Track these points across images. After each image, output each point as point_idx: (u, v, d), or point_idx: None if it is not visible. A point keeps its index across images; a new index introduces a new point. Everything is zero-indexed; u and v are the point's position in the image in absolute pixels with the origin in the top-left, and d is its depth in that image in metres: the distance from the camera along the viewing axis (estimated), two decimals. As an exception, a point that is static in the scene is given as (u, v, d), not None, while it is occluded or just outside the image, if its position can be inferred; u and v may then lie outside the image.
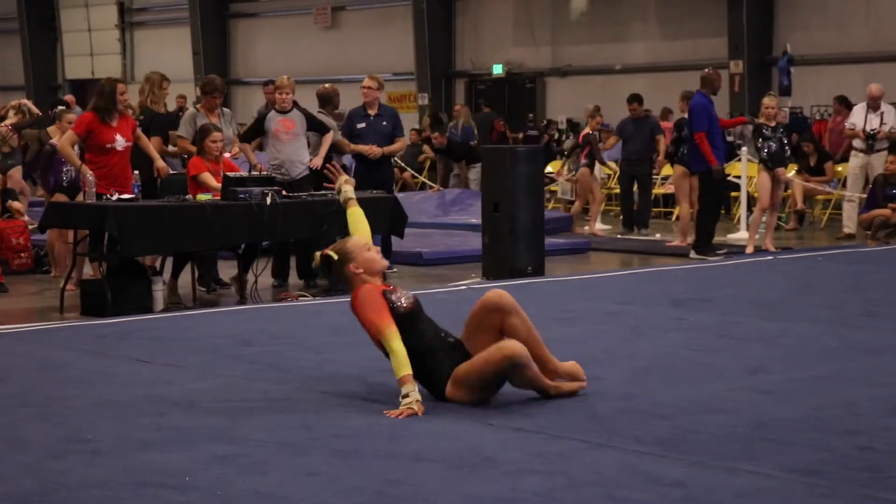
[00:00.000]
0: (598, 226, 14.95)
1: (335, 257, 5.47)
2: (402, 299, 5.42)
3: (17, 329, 7.75)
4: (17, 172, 12.55)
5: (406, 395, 5.14)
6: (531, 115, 21.70)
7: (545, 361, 5.47)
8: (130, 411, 5.21)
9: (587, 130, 15.07)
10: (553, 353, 5.59)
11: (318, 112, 10.91)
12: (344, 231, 9.55)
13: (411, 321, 5.39)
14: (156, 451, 4.56)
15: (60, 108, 12.90)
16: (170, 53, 27.10)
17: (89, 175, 9.09)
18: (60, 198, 10.31)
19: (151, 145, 9.93)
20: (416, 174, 20.57)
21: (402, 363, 5.18)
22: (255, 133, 10.70)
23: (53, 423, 4.98)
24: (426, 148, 21.63)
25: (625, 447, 4.61)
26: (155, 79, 10.77)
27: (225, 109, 10.72)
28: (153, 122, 10.55)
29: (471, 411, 5.16)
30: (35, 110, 13.11)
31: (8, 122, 12.53)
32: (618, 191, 17.85)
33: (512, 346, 5.31)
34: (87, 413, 5.17)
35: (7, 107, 13.28)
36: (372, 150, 10.91)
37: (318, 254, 5.57)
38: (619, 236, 14.55)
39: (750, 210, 14.11)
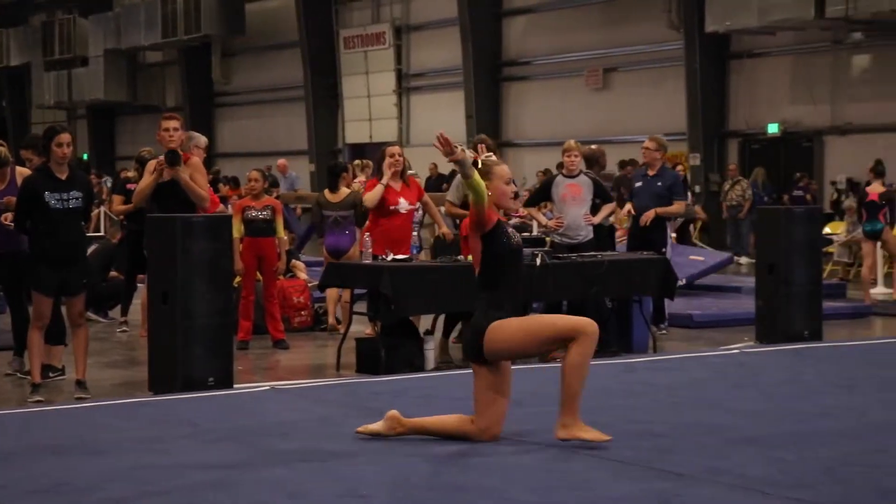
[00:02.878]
0: (880, 290, 14.22)
1: (480, 166, 5.80)
2: (515, 236, 5.88)
3: (297, 385, 8.07)
4: None
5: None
6: (798, 174, 21.05)
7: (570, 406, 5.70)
8: (403, 468, 5.32)
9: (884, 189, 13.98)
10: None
11: (585, 173, 10.91)
12: (615, 291, 9.61)
13: (515, 258, 5.87)
14: (427, 508, 4.65)
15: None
16: (443, 117, 27.79)
17: (367, 237, 9.44)
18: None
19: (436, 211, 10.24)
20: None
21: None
22: (542, 197, 10.81)
23: (331, 478, 5.15)
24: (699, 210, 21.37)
25: (912, 525, 4.37)
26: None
27: (496, 171, 10.89)
28: None
29: (743, 477, 5.01)
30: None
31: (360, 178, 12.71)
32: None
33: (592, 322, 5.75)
34: (363, 469, 5.32)
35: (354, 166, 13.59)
36: (648, 215, 10.83)
37: (468, 154, 5.80)
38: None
39: None
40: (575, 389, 5.71)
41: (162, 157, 8.88)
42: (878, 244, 14.01)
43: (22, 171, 8.83)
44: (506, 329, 5.78)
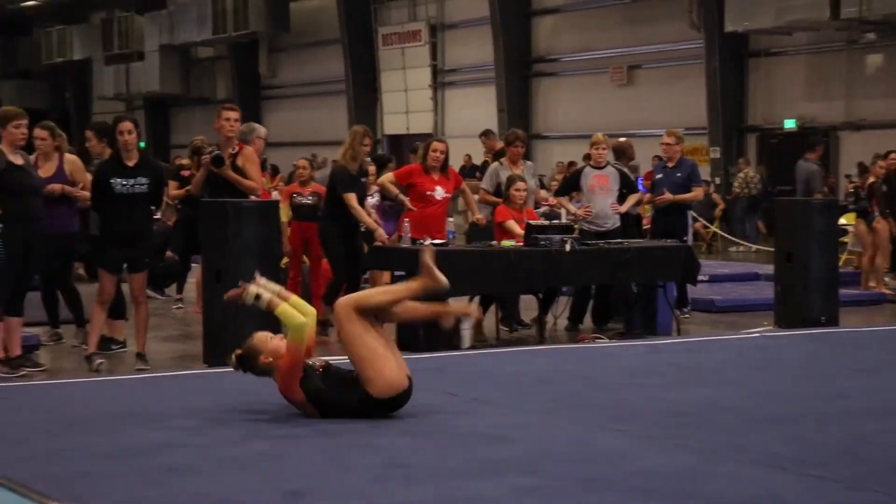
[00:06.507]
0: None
1: (246, 355, 5.70)
2: (316, 362, 5.70)
3: (340, 360, 8.04)
4: None
5: (262, 294, 5.68)
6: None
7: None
8: (443, 441, 5.30)
9: (872, 179, 13.80)
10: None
11: (615, 165, 10.84)
12: (640, 276, 9.54)
13: (327, 374, 5.66)
14: (466, 479, 4.61)
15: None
16: (476, 110, 27.77)
17: (406, 222, 9.41)
18: None
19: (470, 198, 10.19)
20: (708, 224, 20.20)
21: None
22: (571, 188, 10.76)
23: (375, 449, 5.12)
24: (716, 198, 21.30)
25: (929, 502, 4.30)
26: (357, 132, 9.65)
27: (527, 162, 10.86)
28: (340, 179, 9.43)
29: (765, 454, 4.95)
30: None
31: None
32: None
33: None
34: (405, 441, 5.29)
35: None
36: (664, 197, 10.75)
37: (232, 356, 5.74)
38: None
39: None
40: (415, 311, 5.90)
41: (208, 158, 8.83)
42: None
43: (70, 159, 8.90)
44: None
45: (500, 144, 12.86)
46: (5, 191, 7.60)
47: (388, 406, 5.65)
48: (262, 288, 5.73)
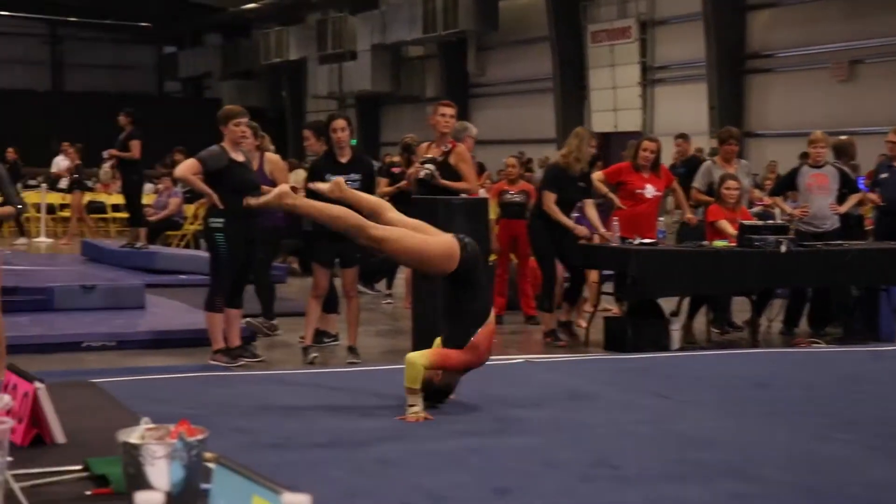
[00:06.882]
0: None
1: (422, 391, 5.62)
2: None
3: (549, 359, 8.05)
4: None
5: (413, 405, 5.53)
6: None
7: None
8: (653, 443, 5.21)
9: None
10: None
11: (834, 164, 10.45)
12: (861, 279, 9.11)
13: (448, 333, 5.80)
14: (677, 483, 4.52)
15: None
16: (686, 107, 27.23)
17: (615, 220, 9.33)
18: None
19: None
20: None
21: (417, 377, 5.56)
22: (786, 187, 10.46)
23: (583, 448, 5.09)
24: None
25: None
26: (583, 135, 9.56)
27: (742, 160, 10.59)
28: (560, 181, 9.36)
29: None
30: None
31: None
32: None
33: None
34: (614, 441, 5.24)
35: None
36: None
37: (418, 415, 5.58)
38: None
39: None
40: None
41: (415, 176, 8.91)
42: None
43: (270, 158, 9.23)
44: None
45: (692, 150, 12.63)
46: (228, 187, 7.92)
47: (468, 266, 5.72)
48: (408, 405, 5.67)
